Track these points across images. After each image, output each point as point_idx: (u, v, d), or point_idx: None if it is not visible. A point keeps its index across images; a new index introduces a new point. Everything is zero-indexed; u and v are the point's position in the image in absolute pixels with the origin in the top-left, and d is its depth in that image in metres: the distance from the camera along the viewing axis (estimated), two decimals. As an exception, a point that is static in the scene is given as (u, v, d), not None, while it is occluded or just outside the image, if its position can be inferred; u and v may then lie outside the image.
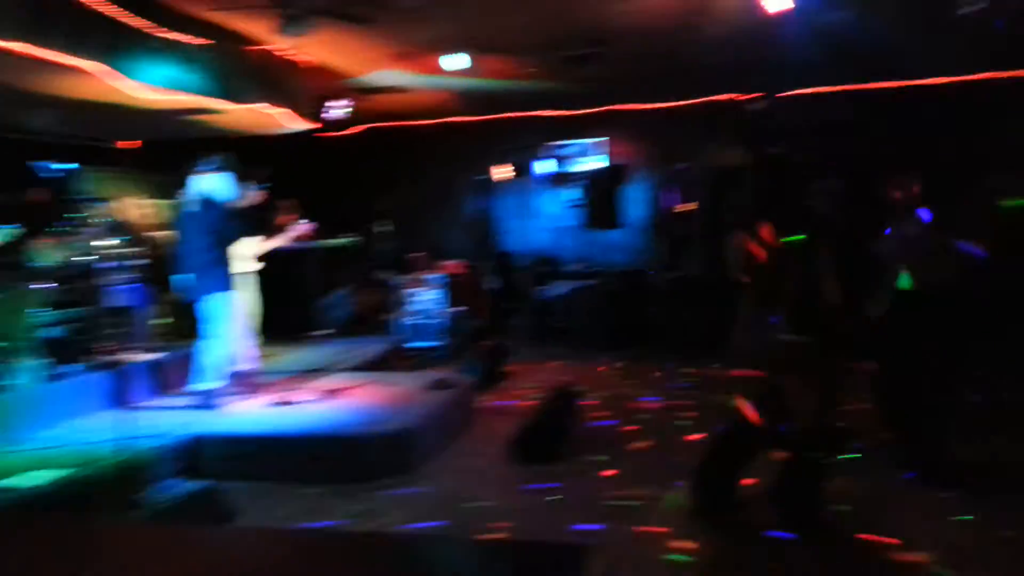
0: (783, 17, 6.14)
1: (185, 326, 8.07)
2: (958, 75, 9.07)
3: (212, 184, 5.59)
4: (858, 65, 8.52)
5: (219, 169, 5.64)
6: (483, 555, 2.74)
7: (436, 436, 5.32)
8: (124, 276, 6.86)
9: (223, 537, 3.43)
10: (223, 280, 5.48)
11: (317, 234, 8.47)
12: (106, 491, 4.25)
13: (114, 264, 6.45)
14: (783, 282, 3.93)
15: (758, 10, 6.05)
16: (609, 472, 4.86)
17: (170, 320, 7.29)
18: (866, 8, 6.39)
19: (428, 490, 4.66)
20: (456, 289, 8.85)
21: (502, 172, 10.41)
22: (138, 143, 9.53)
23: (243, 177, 7.68)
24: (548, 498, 4.46)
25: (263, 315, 7.69)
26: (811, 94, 9.16)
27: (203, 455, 4.96)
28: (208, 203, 5.56)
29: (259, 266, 7.56)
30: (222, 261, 5.49)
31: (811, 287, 3.94)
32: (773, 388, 3.96)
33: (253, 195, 5.91)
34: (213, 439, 5.02)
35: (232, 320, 5.57)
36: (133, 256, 7.01)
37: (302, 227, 7.28)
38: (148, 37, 5.95)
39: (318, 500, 4.53)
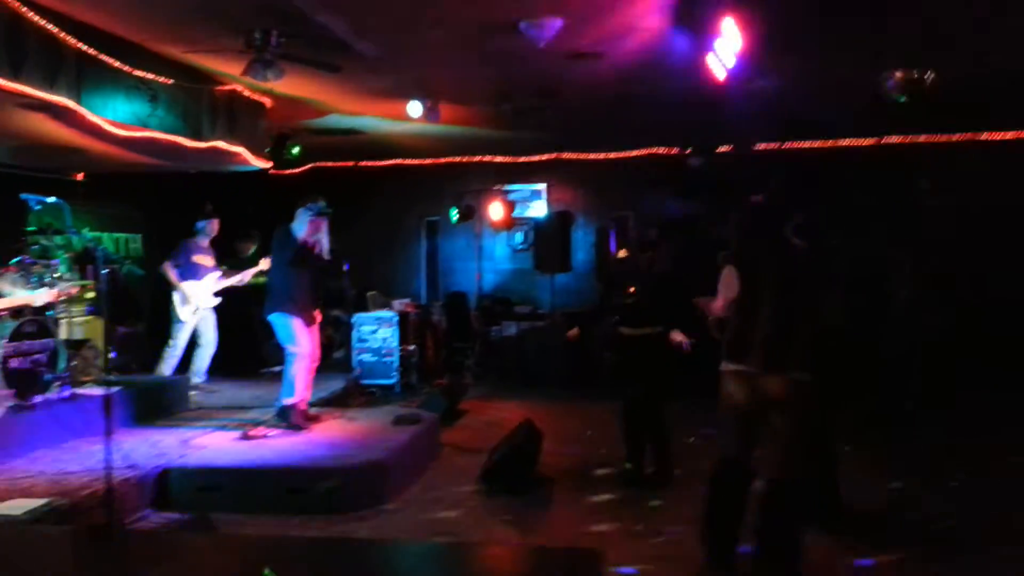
0: (724, 81, 6.66)
1: (130, 360, 8.04)
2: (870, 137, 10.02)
3: (298, 217, 6.06)
4: (790, 125, 9.25)
5: (303, 205, 6.07)
6: (499, 559, 2.94)
7: (406, 469, 5.47)
8: (81, 308, 6.80)
9: (218, 541, 3.53)
10: (282, 302, 5.98)
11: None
12: (81, 521, 4.23)
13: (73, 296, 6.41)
14: None
15: (703, 75, 6.51)
16: (575, 503, 5.12)
17: (115, 354, 7.26)
18: (796, 77, 7.02)
19: (403, 521, 4.79)
20: (407, 327, 9.02)
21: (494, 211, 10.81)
22: (80, 175, 9.42)
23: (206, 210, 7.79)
24: (522, 527, 4.68)
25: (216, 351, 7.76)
26: (747, 151, 9.82)
27: (174, 487, 4.97)
28: (280, 230, 6.08)
29: (216, 301, 7.62)
30: (283, 285, 6.01)
31: None
32: None
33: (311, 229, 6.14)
34: (184, 471, 5.04)
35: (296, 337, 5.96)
36: (90, 288, 6.98)
37: (263, 264, 7.41)
38: (117, 73, 6.04)
39: (295, 530, 4.60)
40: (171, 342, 7.48)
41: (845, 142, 10.20)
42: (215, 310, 7.72)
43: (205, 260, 7.64)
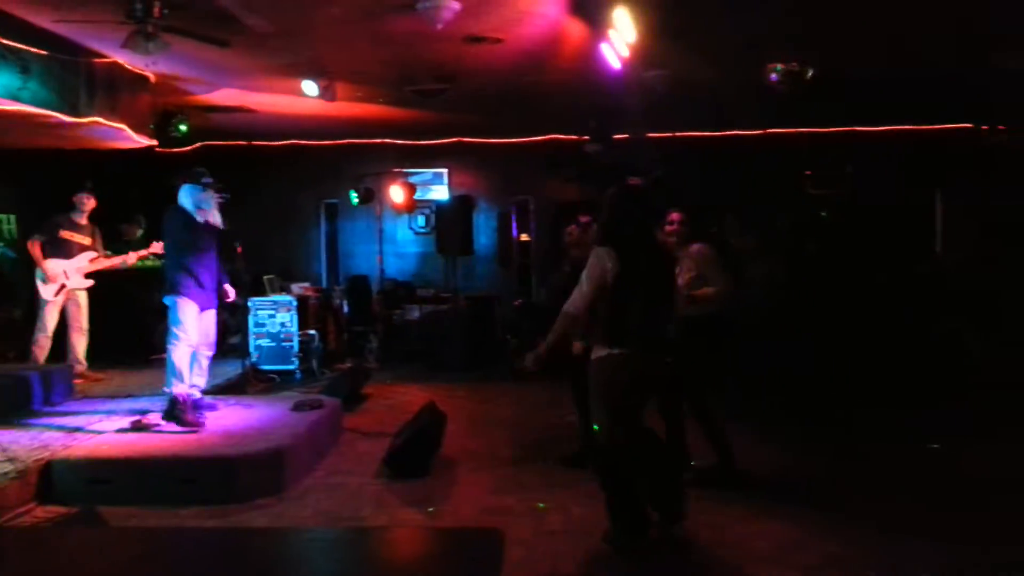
0: (619, 70, 6.81)
1: (5, 348, 7.57)
2: (763, 128, 10.52)
3: (184, 194, 5.70)
4: (682, 115, 9.56)
5: (188, 180, 5.72)
6: (401, 543, 2.96)
7: (307, 456, 5.40)
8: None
9: (96, 537, 3.39)
10: (176, 285, 5.62)
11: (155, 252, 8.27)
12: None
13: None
14: None
15: (599, 64, 6.63)
16: (480, 483, 5.19)
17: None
18: (687, 68, 7.27)
19: (304, 509, 4.73)
20: (307, 312, 8.86)
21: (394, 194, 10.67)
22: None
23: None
24: (427, 509, 4.71)
25: (94, 335, 7.39)
26: (642, 139, 10.10)
27: (59, 480, 4.74)
28: (171, 211, 5.71)
29: (87, 283, 7.24)
30: (178, 267, 5.65)
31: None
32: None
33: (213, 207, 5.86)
34: (69, 463, 4.81)
35: (185, 324, 5.65)
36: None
37: (155, 247, 7.11)
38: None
39: (190, 522, 4.48)
40: (38, 324, 7.06)
41: (734, 132, 10.66)
42: (92, 292, 7.33)
43: (77, 238, 7.22)
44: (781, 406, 7.24)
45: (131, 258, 7.33)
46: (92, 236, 7.36)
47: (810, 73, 6.94)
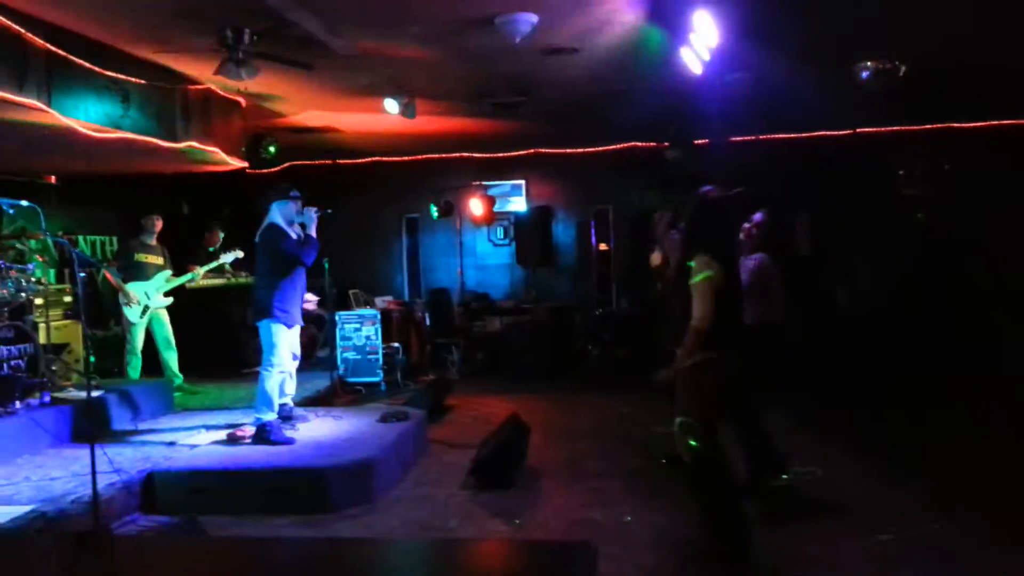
0: (699, 75, 6.67)
1: (109, 364, 7.95)
2: (852, 128, 10.14)
3: (274, 211, 5.66)
4: (765, 117, 9.32)
5: (276, 196, 5.70)
6: (492, 555, 2.96)
7: (394, 467, 5.47)
8: (60, 312, 6.73)
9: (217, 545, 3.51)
10: (270, 308, 5.55)
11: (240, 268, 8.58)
12: (67, 528, 4.20)
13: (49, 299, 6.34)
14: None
15: (679, 69, 6.50)
16: (565, 495, 5.14)
17: (92, 358, 7.18)
18: (771, 70, 7.08)
19: (393, 519, 4.78)
20: (390, 325, 9.01)
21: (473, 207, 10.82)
22: (51, 178, 9.30)
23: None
24: (514, 521, 4.69)
25: (189, 350, 7.68)
26: (724, 143, 9.89)
27: (161, 490, 4.93)
28: (267, 230, 5.61)
29: (167, 301, 7.52)
30: (272, 288, 5.57)
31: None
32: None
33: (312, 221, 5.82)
34: (170, 474, 5.00)
35: (280, 350, 5.61)
36: (66, 291, 6.90)
37: (225, 257, 7.38)
38: (88, 74, 5.97)
39: (284, 531, 4.59)
40: (128, 347, 7.37)
41: (821, 133, 10.31)
42: (186, 308, 7.62)
43: (151, 259, 7.51)
44: (880, 413, 6.94)
45: (200, 273, 7.60)
46: (163, 256, 7.65)
47: (903, 70, 6.66)
